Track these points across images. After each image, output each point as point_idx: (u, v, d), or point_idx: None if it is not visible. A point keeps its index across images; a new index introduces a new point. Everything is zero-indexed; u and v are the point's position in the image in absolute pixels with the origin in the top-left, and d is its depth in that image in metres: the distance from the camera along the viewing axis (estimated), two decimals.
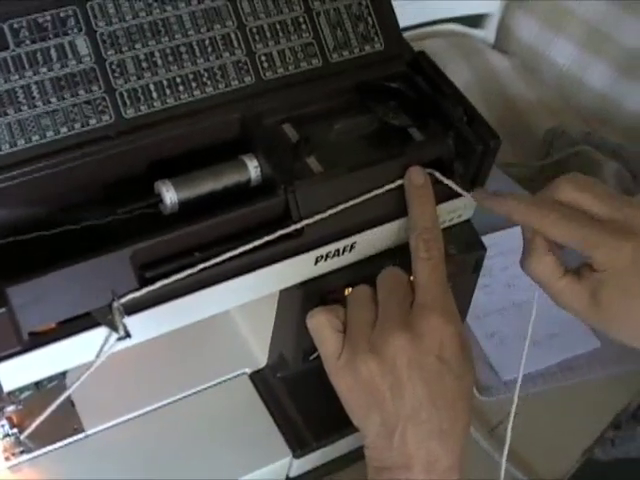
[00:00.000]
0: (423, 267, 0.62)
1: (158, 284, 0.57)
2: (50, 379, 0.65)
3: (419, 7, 1.44)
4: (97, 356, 0.59)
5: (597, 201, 0.63)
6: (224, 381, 0.82)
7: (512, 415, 0.72)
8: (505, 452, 0.75)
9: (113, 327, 0.57)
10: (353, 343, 0.61)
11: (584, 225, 0.62)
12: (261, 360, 0.82)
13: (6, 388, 0.57)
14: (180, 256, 0.58)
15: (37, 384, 0.65)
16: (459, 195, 0.68)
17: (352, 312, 0.63)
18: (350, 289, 0.68)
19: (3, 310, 0.53)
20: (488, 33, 1.54)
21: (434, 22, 1.49)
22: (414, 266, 0.63)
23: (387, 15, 0.69)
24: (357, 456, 0.81)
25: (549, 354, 0.96)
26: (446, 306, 0.62)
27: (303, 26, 0.66)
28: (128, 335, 0.57)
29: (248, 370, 0.82)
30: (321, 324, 0.63)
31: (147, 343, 0.61)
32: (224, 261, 0.59)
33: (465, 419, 0.62)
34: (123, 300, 0.57)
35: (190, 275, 0.58)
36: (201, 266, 0.58)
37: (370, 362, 0.60)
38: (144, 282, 0.57)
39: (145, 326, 0.59)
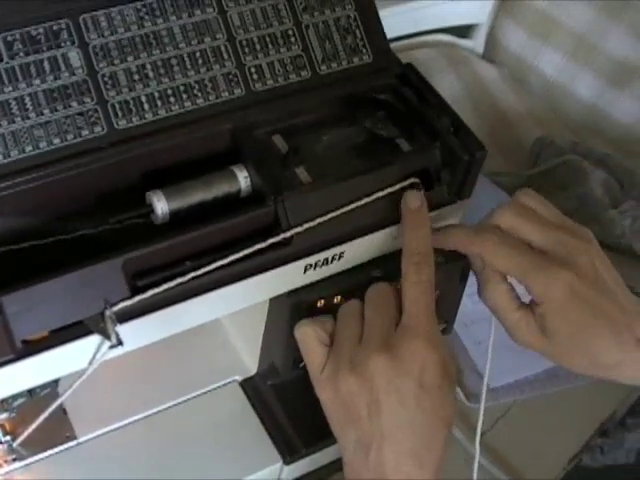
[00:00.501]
0: (411, 291, 0.62)
1: (149, 292, 0.58)
2: (43, 387, 0.66)
3: (408, 17, 1.45)
4: (90, 364, 0.59)
5: (535, 229, 0.64)
6: (215, 388, 0.82)
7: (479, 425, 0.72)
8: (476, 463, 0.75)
9: (105, 335, 0.57)
10: (336, 358, 0.61)
11: (520, 254, 0.63)
12: (251, 368, 0.83)
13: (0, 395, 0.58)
14: (171, 265, 0.59)
15: (30, 391, 0.66)
16: (446, 204, 0.69)
17: (339, 327, 0.63)
18: (339, 297, 0.69)
19: None
20: (477, 43, 1.55)
21: (423, 32, 1.50)
22: (403, 288, 0.63)
23: (375, 28, 0.70)
24: None
25: (537, 361, 0.97)
26: (431, 332, 0.61)
27: (292, 39, 0.67)
28: (120, 343, 0.58)
29: (239, 378, 0.83)
30: (308, 336, 0.64)
31: (138, 351, 0.62)
32: (214, 270, 0.60)
33: (441, 447, 0.61)
34: (115, 308, 0.57)
35: (181, 284, 0.59)
36: (192, 275, 0.59)
37: (350, 379, 0.60)
38: (136, 291, 0.58)
39: (137, 334, 0.60)
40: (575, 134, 1.39)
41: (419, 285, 0.62)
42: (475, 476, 0.77)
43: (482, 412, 0.75)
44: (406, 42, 1.46)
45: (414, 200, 0.65)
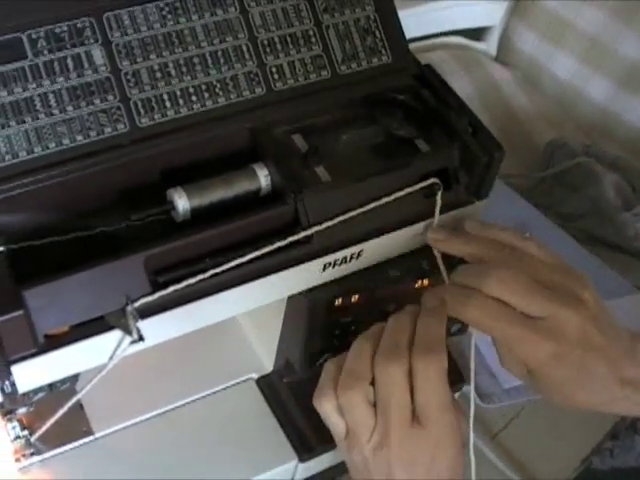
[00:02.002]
0: (421, 388, 0.61)
1: (170, 289, 0.59)
2: (63, 381, 0.66)
3: (422, 19, 1.46)
4: (110, 359, 0.60)
5: (523, 298, 0.62)
6: (231, 386, 0.83)
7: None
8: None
9: (127, 330, 0.58)
10: (354, 439, 0.63)
11: (504, 326, 0.62)
12: (268, 365, 0.83)
13: (21, 389, 0.58)
14: (192, 262, 0.60)
15: (50, 386, 0.66)
16: (464, 204, 0.69)
17: (349, 420, 0.63)
18: (357, 296, 0.69)
19: (20, 313, 0.54)
20: (490, 45, 1.55)
21: (436, 34, 1.50)
22: (414, 379, 0.61)
23: (394, 29, 0.70)
24: None
25: None
26: (442, 428, 0.62)
27: (313, 39, 0.67)
28: (142, 338, 0.58)
29: (255, 375, 0.84)
30: (326, 412, 0.64)
31: (154, 348, 0.62)
32: (234, 267, 0.60)
33: None
34: (137, 304, 0.58)
35: (201, 280, 0.59)
36: (212, 272, 0.60)
37: (367, 459, 0.63)
38: (157, 287, 0.59)
39: (157, 330, 0.61)
40: (587, 136, 1.40)
41: (428, 382, 0.61)
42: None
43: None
44: (420, 44, 1.46)
45: (430, 301, 0.64)
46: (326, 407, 0.64)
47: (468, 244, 0.66)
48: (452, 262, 0.67)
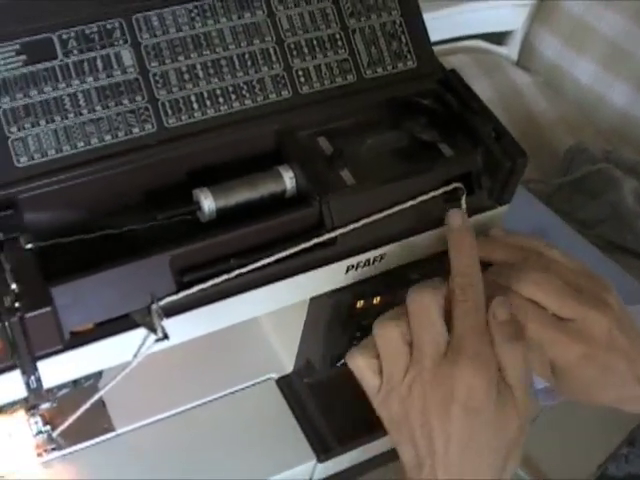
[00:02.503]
0: (459, 311, 0.61)
1: (195, 288, 0.59)
2: (87, 378, 0.67)
3: (443, 23, 1.46)
4: (135, 356, 0.61)
5: (556, 300, 0.63)
6: (251, 385, 0.83)
7: None
8: None
9: (152, 329, 0.58)
10: (388, 383, 0.62)
11: (537, 327, 0.63)
12: (288, 366, 0.84)
13: (46, 385, 0.59)
14: (217, 262, 0.60)
15: (74, 382, 0.67)
16: (486, 209, 0.70)
17: (384, 357, 0.62)
18: (379, 298, 0.70)
19: (48, 309, 0.54)
20: (511, 50, 1.55)
21: (458, 38, 1.51)
22: (452, 308, 0.62)
23: (420, 34, 0.71)
24: (379, 461, 0.82)
25: None
26: (477, 353, 0.60)
27: (339, 43, 0.68)
28: (166, 337, 0.59)
29: (275, 375, 0.84)
30: (359, 368, 0.63)
31: (175, 347, 0.63)
32: (259, 268, 0.61)
33: (495, 470, 0.61)
34: (162, 303, 0.58)
35: (226, 280, 0.60)
36: (237, 272, 0.60)
37: (402, 403, 0.61)
38: (182, 286, 0.59)
39: (181, 329, 0.61)
40: (608, 142, 1.40)
41: (465, 304, 0.61)
42: None
43: None
44: (441, 48, 1.47)
45: (454, 219, 0.65)
46: (359, 362, 0.63)
47: (496, 250, 0.66)
48: None
